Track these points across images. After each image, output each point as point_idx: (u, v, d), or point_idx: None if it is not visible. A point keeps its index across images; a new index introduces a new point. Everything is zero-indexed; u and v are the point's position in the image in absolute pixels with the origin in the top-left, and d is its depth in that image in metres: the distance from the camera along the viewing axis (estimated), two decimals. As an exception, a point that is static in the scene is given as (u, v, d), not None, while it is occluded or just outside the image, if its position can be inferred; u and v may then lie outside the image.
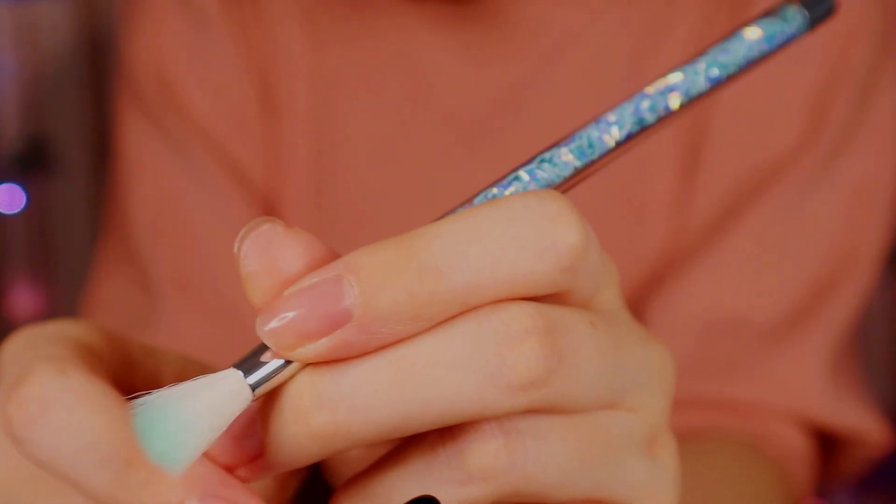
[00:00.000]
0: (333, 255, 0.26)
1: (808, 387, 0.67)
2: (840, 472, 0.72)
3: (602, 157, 0.30)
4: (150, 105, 0.72)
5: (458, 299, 0.25)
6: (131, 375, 0.32)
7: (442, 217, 0.27)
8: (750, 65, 0.33)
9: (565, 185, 0.29)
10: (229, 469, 0.26)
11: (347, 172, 0.71)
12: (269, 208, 0.73)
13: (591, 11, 0.68)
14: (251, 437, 0.26)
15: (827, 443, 0.71)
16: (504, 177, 0.29)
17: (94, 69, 1.07)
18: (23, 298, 1.13)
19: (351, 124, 0.71)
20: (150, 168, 0.73)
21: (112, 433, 0.24)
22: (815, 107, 0.67)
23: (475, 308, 0.25)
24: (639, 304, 0.69)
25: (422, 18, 0.69)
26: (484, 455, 0.26)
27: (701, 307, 0.67)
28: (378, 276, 0.25)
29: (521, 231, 0.25)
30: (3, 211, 1.06)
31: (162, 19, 0.72)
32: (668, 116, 0.31)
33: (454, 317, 0.25)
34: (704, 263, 0.67)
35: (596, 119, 0.30)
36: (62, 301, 1.14)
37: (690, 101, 0.31)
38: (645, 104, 0.31)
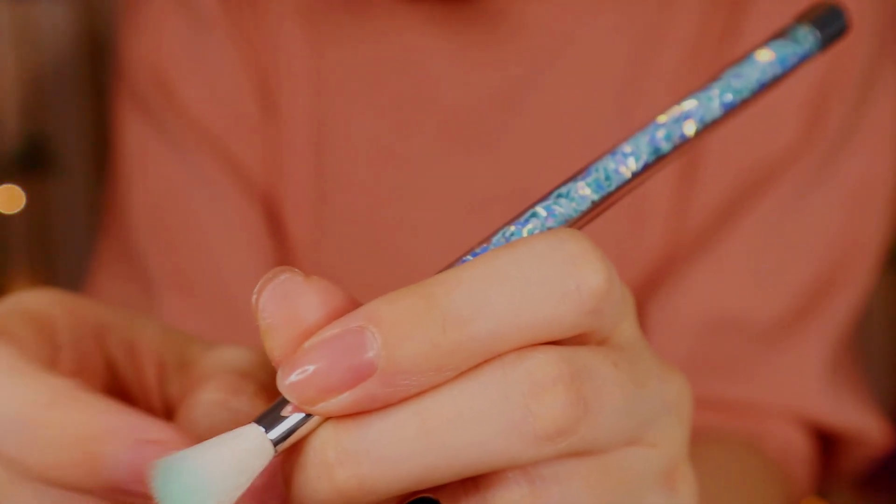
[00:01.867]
0: (353, 304, 0.26)
1: (808, 386, 0.67)
2: (840, 471, 0.72)
3: (619, 188, 0.29)
4: (149, 104, 0.72)
5: (483, 347, 0.25)
6: (104, 341, 0.32)
7: (459, 259, 0.27)
8: (763, 88, 0.33)
9: (583, 219, 0.29)
10: None
11: (347, 173, 0.71)
12: (269, 208, 0.73)
13: (588, 12, 0.68)
14: (273, 491, 0.26)
15: (827, 442, 0.71)
16: (521, 213, 0.28)
17: (94, 69, 1.07)
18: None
19: (350, 125, 0.71)
20: (149, 167, 0.73)
21: (14, 397, 0.26)
22: (814, 106, 0.67)
23: (500, 355, 0.25)
24: (639, 304, 0.69)
25: (420, 20, 0.69)
26: None
27: (700, 307, 0.67)
28: (401, 327, 0.24)
29: (543, 275, 0.25)
30: (3, 211, 1.06)
31: (161, 19, 0.72)
32: (683, 144, 0.31)
33: (479, 365, 0.25)
34: (704, 263, 0.67)
35: (611, 150, 0.30)
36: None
37: (706, 128, 0.31)
38: (660, 133, 0.30)
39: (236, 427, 0.25)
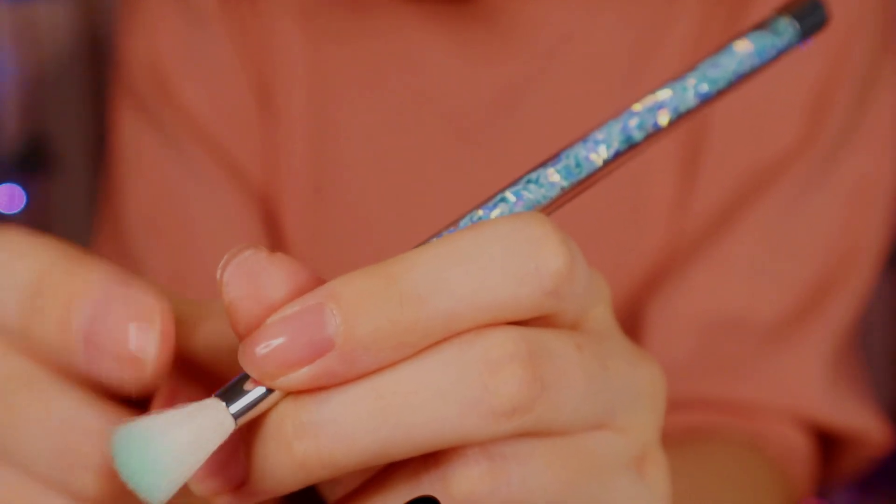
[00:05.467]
0: (318, 282, 0.26)
1: (809, 386, 0.67)
2: (840, 471, 0.72)
3: (590, 176, 0.29)
4: (147, 102, 0.73)
5: (441, 326, 0.25)
6: None
7: (426, 241, 0.27)
8: (740, 79, 0.33)
9: (553, 206, 0.29)
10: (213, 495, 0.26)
11: (346, 172, 0.71)
12: (267, 207, 0.73)
13: (589, 10, 0.68)
14: (235, 464, 0.26)
15: (827, 442, 0.71)
16: (490, 198, 0.28)
17: (94, 69, 1.07)
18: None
19: (349, 123, 0.71)
20: (147, 166, 0.73)
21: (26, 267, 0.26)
22: (815, 106, 0.67)
23: (458, 334, 0.25)
24: (638, 305, 0.69)
25: (420, 18, 0.69)
26: (467, 480, 0.26)
27: (701, 307, 0.67)
28: (359, 304, 0.24)
29: (503, 256, 0.25)
30: (3, 211, 1.06)
31: (159, 17, 0.72)
32: (656, 133, 0.31)
33: (437, 343, 0.25)
34: (704, 263, 0.67)
35: (583, 137, 0.30)
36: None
37: (679, 118, 0.31)
38: (633, 122, 0.30)
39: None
